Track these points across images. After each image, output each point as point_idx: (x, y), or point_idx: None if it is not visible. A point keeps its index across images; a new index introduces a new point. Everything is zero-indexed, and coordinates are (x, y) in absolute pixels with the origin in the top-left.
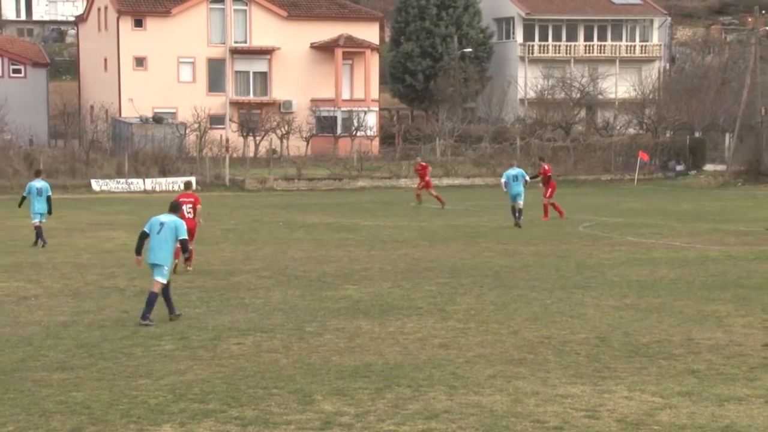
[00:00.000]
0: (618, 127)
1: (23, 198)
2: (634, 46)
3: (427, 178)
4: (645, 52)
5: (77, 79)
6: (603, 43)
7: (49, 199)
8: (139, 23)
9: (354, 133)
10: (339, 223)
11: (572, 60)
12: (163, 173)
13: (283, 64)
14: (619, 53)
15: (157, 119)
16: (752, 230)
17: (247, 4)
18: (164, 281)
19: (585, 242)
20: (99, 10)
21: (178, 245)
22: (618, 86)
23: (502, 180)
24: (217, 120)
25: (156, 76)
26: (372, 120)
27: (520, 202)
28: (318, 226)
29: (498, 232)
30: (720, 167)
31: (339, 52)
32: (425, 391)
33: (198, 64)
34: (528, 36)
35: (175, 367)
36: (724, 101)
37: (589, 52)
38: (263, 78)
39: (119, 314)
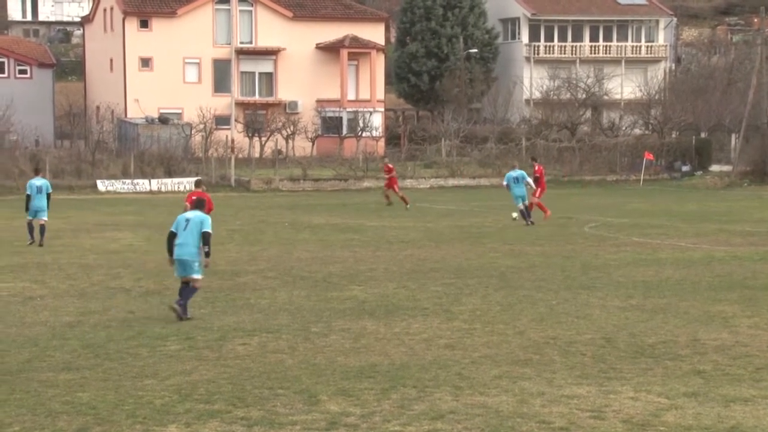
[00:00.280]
0: (624, 128)
1: (28, 197)
2: (640, 47)
3: (394, 178)
4: (651, 53)
5: (83, 79)
6: (608, 44)
7: (49, 197)
8: (144, 24)
9: (359, 133)
10: (344, 223)
11: (578, 60)
12: (169, 174)
13: (289, 64)
14: (625, 54)
15: (163, 120)
16: (758, 231)
17: (252, 5)
18: (200, 276)
19: (591, 243)
20: (105, 10)
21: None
22: (624, 87)
23: (504, 183)
24: (222, 120)
25: (162, 77)
26: (377, 121)
27: (525, 203)
28: (323, 226)
29: (503, 232)
30: (726, 168)
31: (344, 52)
32: (431, 391)
33: (203, 64)
34: (533, 36)
35: (181, 368)
36: (730, 102)
37: (595, 53)
38: (269, 78)
39: (125, 315)
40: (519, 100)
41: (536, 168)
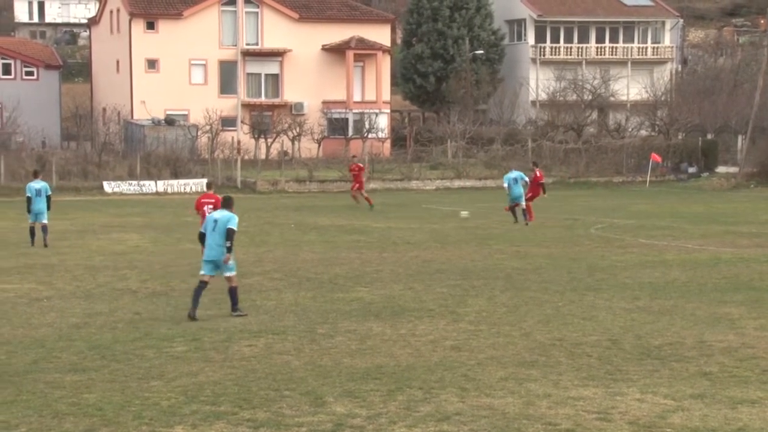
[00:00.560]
0: (630, 129)
1: (29, 199)
2: (646, 48)
3: (361, 179)
4: (657, 54)
5: (89, 81)
6: (615, 45)
7: (48, 199)
8: (151, 25)
9: (365, 135)
10: (350, 225)
11: (584, 62)
12: (175, 175)
13: (295, 66)
14: (631, 55)
15: (169, 121)
16: (765, 232)
17: (258, 7)
18: (233, 273)
19: (597, 244)
20: (111, 12)
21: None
22: (630, 88)
23: (504, 184)
24: (228, 122)
25: (168, 79)
26: (383, 122)
27: (523, 204)
28: (329, 228)
29: (509, 234)
30: (732, 169)
31: (350, 54)
32: (437, 393)
33: (210, 66)
34: (539, 38)
35: (187, 369)
36: (737, 103)
37: (601, 54)
38: (275, 80)
39: (131, 316)
40: (525, 102)
41: (538, 174)
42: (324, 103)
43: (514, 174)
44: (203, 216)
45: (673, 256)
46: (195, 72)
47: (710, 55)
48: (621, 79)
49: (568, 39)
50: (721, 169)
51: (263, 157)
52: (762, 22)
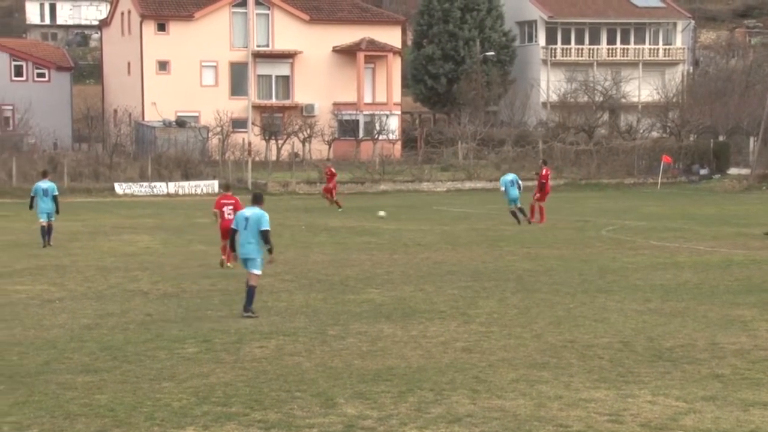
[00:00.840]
0: (641, 131)
1: (32, 198)
2: (658, 50)
3: (332, 183)
4: (668, 56)
5: (101, 82)
6: (626, 47)
7: (55, 199)
8: (162, 27)
9: (376, 136)
10: (361, 226)
11: (595, 63)
12: (186, 177)
13: (306, 67)
14: (642, 56)
15: (180, 123)
16: None
17: (269, 8)
18: (259, 272)
19: (608, 246)
20: (122, 14)
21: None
22: (641, 89)
23: (502, 188)
24: (239, 124)
25: (179, 80)
26: (394, 123)
27: (519, 205)
28: (340, 229)
29: (521, 235)
30: (744, 171)
31: (361, 55)
32: (448, 394)
33: (221, 67)
34: (551, 39)
35: (198, 370)
36: (749, 104)
37: (612, 56)
38: (285, 82)
39: (143, 317)
40: (536, 103)
41: (544, 171)
42: (335, 104)
43: (510, 177)
44: (222, 216)
45: (684, 258)
46: (206, 73)
47: (722, 56)
48: (632, 80)
49: (579, 40)
50: (732, 170)
51: (274, 158)
52: None
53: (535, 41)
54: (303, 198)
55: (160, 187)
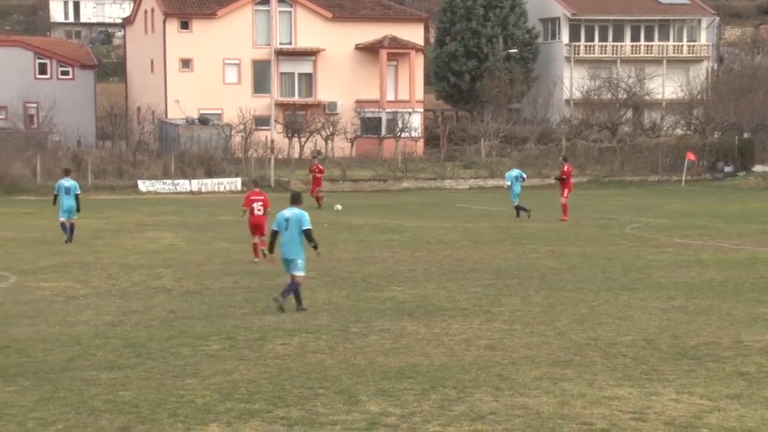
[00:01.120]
0: (665, 128)
1: (55, 196)
2: (682, 47)
3: (320, 181)
4: (693, 53)
5: (124, 80)
6: (650, 44)
7: (77, 197)
8: (185, 25)
9: (398, 134)
10: (384, 224)
11: (618, 60)
12: (209, 174)
13: (328, 65)
14: (667, 53)
15: (203, 120)
16: None
17: (292, 6)
18: (303, 273)
19: (632, 244)
20: (146, 12)
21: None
22: (665, 87)
23: (507, 183)
24: (262, 121)
25: (202, 78)
26: (416, 121)
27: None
28: (363, 227)
29: (544, 233)
30: None
31: (384, 53)
32: (471, 392)
33: (243, 65)
34: (574, 36)
35: (222, 367)
36: None
37: (636, 53)
38: (308, 79)
39: (166, 314)
40: (559, 100)
41: (565, 168)
42: (357, 102)
43: (516, 172)
44: (252, 212)
45: (709, 255)
46: (229, 71)
47: (747, 53)
48: (656, 77)
49: (603, 37)
50: (757, 168)
51: (296, 156)
52: None
53: (559, 38)
54: (325, 195)
55: (183, 185)
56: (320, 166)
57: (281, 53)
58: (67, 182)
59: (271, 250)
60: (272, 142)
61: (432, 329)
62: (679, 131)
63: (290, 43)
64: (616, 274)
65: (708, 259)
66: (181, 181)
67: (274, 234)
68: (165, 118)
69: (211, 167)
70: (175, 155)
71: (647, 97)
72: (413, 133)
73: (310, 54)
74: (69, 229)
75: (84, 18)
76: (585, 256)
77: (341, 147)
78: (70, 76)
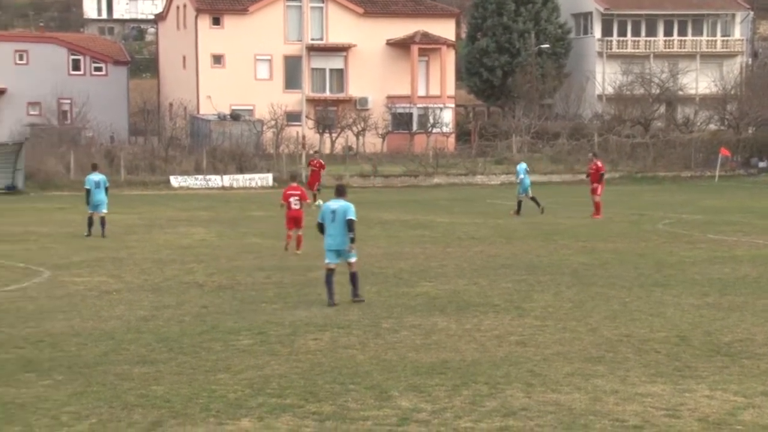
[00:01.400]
0: (698, 123)
1: (88, 191)
2: (716, 41)
3: (319, 176)
4: (726, 47)
5: (156, 76)
6: (683, 38)
7: (106, 190)
8: (217, 21)
9: (430, 129)
10: (415, 219)
11: (651, 55)
12: (241, 170)
13: (359, 60)
14: (700, 48)
15: (235, 116)
16: None
17: (323, 2)
18: (355, 259)
19: (665, 240)
20: (178, 8)
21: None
22: (699, 82)
23: (521, 176)
24: (293, 117)
25: (233, 74)
26: (448, 116)
27: (530, 193)
28: (394, 222)
29: (576, 229)
30: None
31: (415, 48)
32: (502, 388)
33: (275, 61)
34: (606, 31)
35: (253, 362)
36: None
37: (669, 48)
38: (339, 75)
39: (198, 309)
40: (591, 96)
41: (599, 164)
42: (388, 97)
43: (525, 165)
44: (288, 206)
45: (743, 251)
46: (260, 67)
47: None
48: (689, 72)
49: (636, 32)
50: None
51: (328, 151)
52: None
53: (591, 33)
54: (356, 191)
55: (215, 180)
56: (320, 161)
57: (312, 49)
58: (96, 177)
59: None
60: (303, 137)
61: (463, 325)
62: (712, 127)
63: (321, 39)
64: (648, 270)
65: (742, 255)
66: (212, 177)
67: (320, 226)
68: (197, 114)
69: (243, 163)
70: (206, 151)
71: (680, 93)
72: (444, 129)
73: (341, 50)
74: (100, 223)
75: (117, 14)
76: (617, 252)
77: (372, 143)
78: (104, 73)
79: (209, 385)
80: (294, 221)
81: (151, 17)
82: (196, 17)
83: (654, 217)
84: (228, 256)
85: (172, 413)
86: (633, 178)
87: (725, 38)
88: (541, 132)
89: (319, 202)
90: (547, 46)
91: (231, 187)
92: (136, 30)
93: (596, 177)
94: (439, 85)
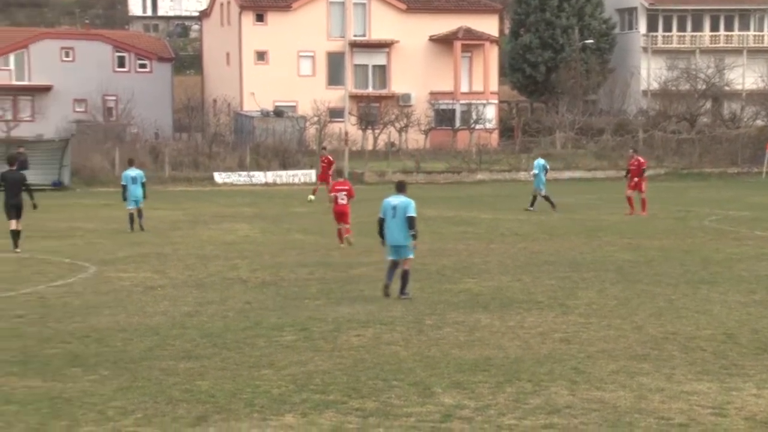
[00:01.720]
0: (745, 119)
1: (124, 187)
2: (763, 36)
3: (328, 173)
4: None
5: (200, 73)
6: (730, 33)
7: (143, 186)
8: (260, 18)
9: (473, 125)
10: (458, 216)
11: (697, 51)
12: (284, 166)
13: (402, 57)
14: (747, 43)
15: (278, 113)
16: None
17: None
18: (412, 256)
19: (711, 236)
20: (222, 5)
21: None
22: (746, 77)
23: (536, 171)
24: (336, 113)
25: (277, 70)
26: (491, 113)
27: (544, 191)
28: (437, 219)
29: (620, 225)
30: None
31: (458, 44)
32: (546, 385)
33: (318, 57)
34: (651, 26)
35: (297, 358)
36: None
37: (715, 43)
38: (382, 71)
39: (242, 305)
40: (636, 91)
41: (641, 159)
42: (431, 94)
43: (543, 161)
44: (336, 201)
45: None
46: (303, 63)
47: None
48: (736, 68)
49: (681, 27)
50: None
51: (370, 148)
52: None
53: (636, 29)
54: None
55: (258, 177)
56: (329, 157)
57: (355, 45)
58: (133, 172)
59: (382, 236)
60: (346, 134)
61: (507, 322)
62: (759, 122)
63: (364, 35)
64: (695, 267)
65: None
66: (256, 173)
67: (381, 222)
68: (240, 111)
69: (286, 159)
70: (250, 147)
71: (727, 88)
72: (487, 125)
73: (384, 46)
74: (137, 215)
75: (161, 11)
76: (663, 248)
77: (415, 139)
78: (148, 69)
79: (253, 381)
80: (341, 216)
81: (196, 14)
82: (240, 14)
83: (700, 213)
84: (271, 252)
85: (217, 408)
86: (678, 174)
87: None
88: (585, 128)
89: (311, 197)
90: (591, 41)
91: (274, 184)
92: (181, 27)
93: (637, 172)
94: (482, 81)
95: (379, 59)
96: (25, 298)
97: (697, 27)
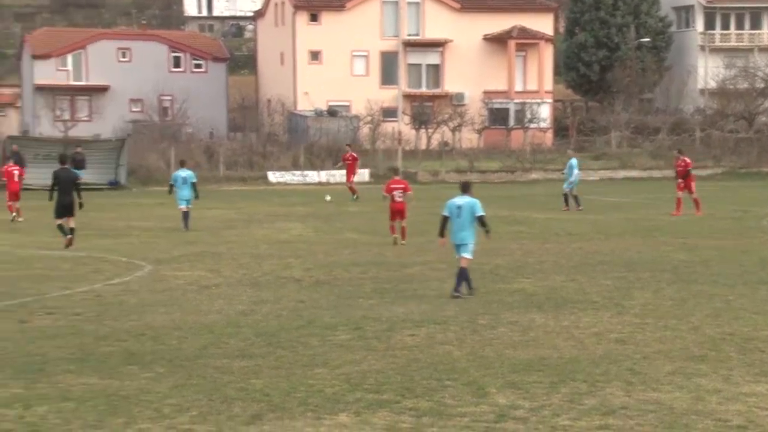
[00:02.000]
0: None
1: (171, 186)
2: None
3: (354, 169)
4: None
5: (255, 73)
6: None
7: (194, 186)
8: (314, 18)
9: (527, 125)
10: (512, 216)
11: (756, 49)
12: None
13: (456, 56)
14: None
15: (332, 112)
16: None
17: None
18: (471, 257)
19: None
20: (276, 5)
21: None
22: None
23: (568, 170)
24: (389, 113)
25: (330, 70)
26: (545, 112)
27: (575, 191)
28: (490, 219)
29: (676, 225)
30: None
31: (512, 43)
32: (601, 386)
33: (371, 57)
34: (709, 25)
35: (350, 357)
36: None
37: None
38: (435, 70)
39: (296, 304)
40: (693, 90)
41: (687, 160)
42: (485, 93)
43: (575, 161)
44: (392, 199)
45: None
46: (357, 63)
47: None
48: None
49: (739, 25)
50: None
51: (424, 147)
52: None
53: (693, 27)
54: (453, 187)
55: (312, 176)
56: (354, 154)
57: (409, 44)
58: (183, 173)
59: (441, 235)
60: (399, 133)
61: (561, 322)
62: None
63: (418, 35)
64: (753, 268)
65: None
66: (309, 173)
67: (445, 219)
68: (294, 110)
69: (339, 158)
70: (304, 147)
71: None
72: (542, 124)
73: (437, 45)
74: (183, 217)
75: (216, 12)
76: (719, 249)
77: (469, 138)
78: (203, 69)
79: (307, 380)
80: (398, 213)
81: (250, 14)
82: (294, 14)
83: (758, 213)
84: (325, 251)
85: (271, 407)
86: (736, 173)
87: None
88: (640, 127)
89: (328, 197)
90: (647, 39)
91: (328, 183)
92: (235, 27)
93: (683, 173)
94: (536, 80)
95: (432, 58)
96: (82, 297)
97: (756, 25)
